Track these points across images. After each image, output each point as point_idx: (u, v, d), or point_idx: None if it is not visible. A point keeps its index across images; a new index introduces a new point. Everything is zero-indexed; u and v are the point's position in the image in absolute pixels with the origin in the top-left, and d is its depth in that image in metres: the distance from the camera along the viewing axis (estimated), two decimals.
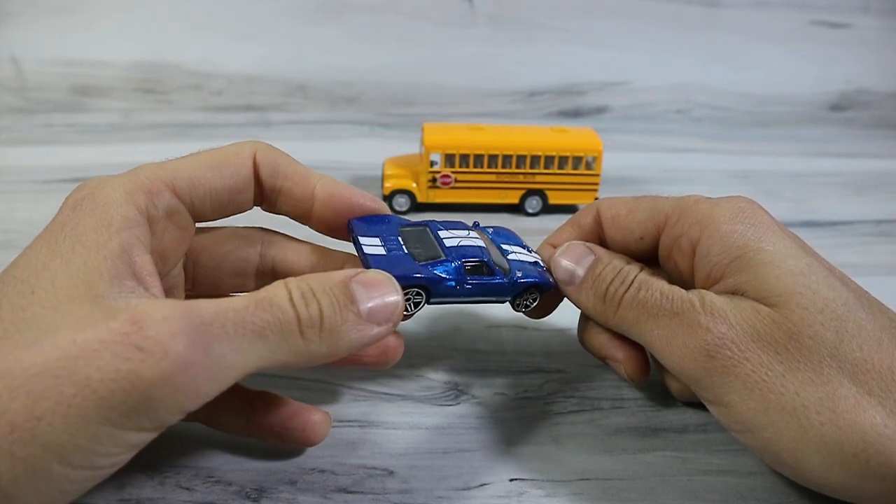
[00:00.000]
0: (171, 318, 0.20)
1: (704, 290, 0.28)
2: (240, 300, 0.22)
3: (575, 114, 0.84)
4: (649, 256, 0.32)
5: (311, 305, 0.23)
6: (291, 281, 0.23)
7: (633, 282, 0.29)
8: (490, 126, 0.58)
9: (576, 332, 0.33)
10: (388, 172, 0.56)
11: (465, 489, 0.28)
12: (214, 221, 0.30)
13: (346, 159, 0.66)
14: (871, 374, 0.24)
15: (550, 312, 0.34)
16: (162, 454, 0.29)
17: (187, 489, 0.28)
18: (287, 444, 0.29)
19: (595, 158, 0.55)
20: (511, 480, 0.29)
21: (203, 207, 0.28)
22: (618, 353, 0.31)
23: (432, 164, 0.54)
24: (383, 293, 0.24)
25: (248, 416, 0.28)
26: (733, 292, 0.27)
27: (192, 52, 0.79)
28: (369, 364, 0.29)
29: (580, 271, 0.31)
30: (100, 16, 0.78)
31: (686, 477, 0.29)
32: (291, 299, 0.23)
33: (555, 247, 0.33)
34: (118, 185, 0.25)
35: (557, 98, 0.84)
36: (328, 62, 0.81)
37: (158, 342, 0.20)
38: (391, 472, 0.29)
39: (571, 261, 0.31)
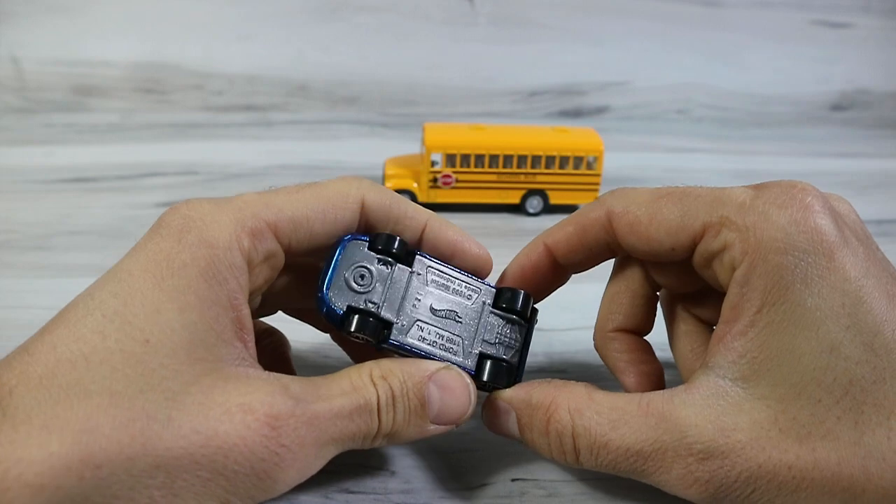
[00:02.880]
0: (302, 426, 0.22)
1: (683, 412, 0.23)
2: (344, 402, 0.23)
3: (576, 114, 0.84)
4: (679, 261, 0.27)
5: (389, 415, 0.24)
6: (377, 379, 0.24)
7: (576, 448, 0.25)
8: (491, 126, 0.58)
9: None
10: (388, 172, 0.56)
11: (466, 489, 0.28)
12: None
13: (347, 159, 0.66)
14: None
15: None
16: None
17: None
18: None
19: (596, 158, 0.55)
20: (513, 480, 0.29)
21: (299, 249, 0.26)
22: (626, 380, 0.29)
23: (433, 164, 0.54)
24: (458, 399, 0.25)
25: None
26: (748, 348, 0.23)
27: (193, 52, 0.79)
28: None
29: (515, 432, 0.26)
30: (100, 16, 0.78)
31: None
32: (378, 407, 0.24)
33: (548, 247, 0.29)
34: (225, 224, 0.24)
35: (558, 98, 0.84)
36: (328, 62, 0.81)
37: (291, 450, 0.22)
38: (393, 473, 0.29)
39: (502, 430, 0.27)
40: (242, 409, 0.22)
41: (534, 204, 0.57)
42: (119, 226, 0.51)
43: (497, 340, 0.27)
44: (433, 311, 0.26)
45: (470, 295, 0.27)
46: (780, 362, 0.23)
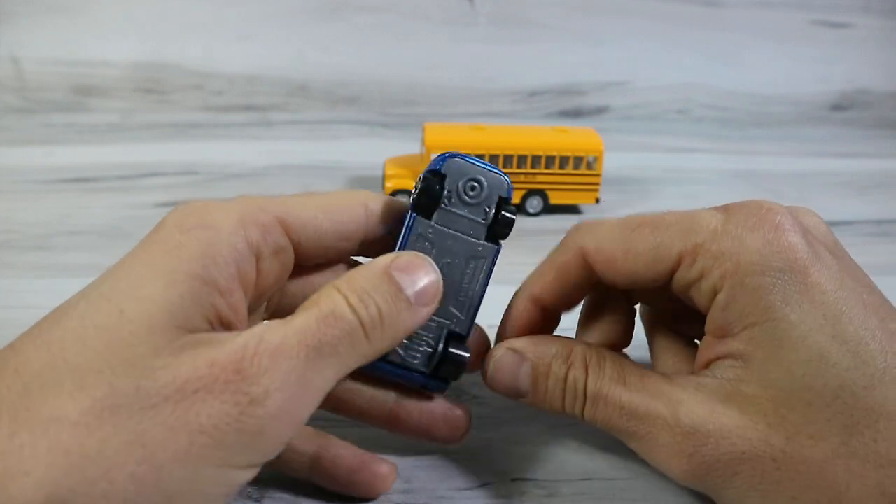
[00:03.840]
0: (266, 359, 0.21)
1: (678, 389, 0.25)
2: (305, 321, 0.22)
3: (576, 114, 0.84)
4: (662, 288, 0.27)
5: (371, 307, 0.23)
6: (342, 285, 0.23)
7: (585, 396, 0.26)
8: (491, 126, 0.58)
9: (573, 332, 0.33)
10: (389, 172, 0.56)
11: (467, 489, 0.28)
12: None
13: (347, 159, 0.66)
14: (889, 469, 0.22)
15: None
16: None
17: None
18: (350, 494, 0.27)
19: (596, 158, 0.55)
20: (513, 480, 0.29)
21: (308, 249, 0.27)
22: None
23: None
24: (424, 274, 0.25)
25: (314, 462, 0.27)
26: (737, 357, 0.24)
27: (193, 52, 0.79)
28: (438, 440, 0.29)
29: (524, 386, 0.27)
30: (100, 16, 0.78)
31: None
32: (351, 306, 0.23)
33: (535, 301, 0.29)
34: (232, 212, 0.24)
35: (558, 98, 0.84)
36: (328, 62, 0.81)
37: (260, 384, 0.21)
38: None
39: (507, 380, 0.27)
40: (208, 364, 0.21)
41: (534, 204, 0.57)
42: (119, 226, 0.51)
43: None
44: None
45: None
46: (770, 371, 0.23)
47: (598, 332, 0.29)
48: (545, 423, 0.32)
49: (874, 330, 0.23)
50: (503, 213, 0.27)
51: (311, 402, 0.22)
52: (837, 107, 0.88)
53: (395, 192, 0.56)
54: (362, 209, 0.27)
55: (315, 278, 0.29)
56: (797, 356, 0.23)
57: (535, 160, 0.55)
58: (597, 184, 0.56)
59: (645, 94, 0.85)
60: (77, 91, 0.77)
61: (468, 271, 0.27)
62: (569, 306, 0.30)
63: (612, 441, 0.31)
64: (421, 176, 0.27)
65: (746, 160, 0.71)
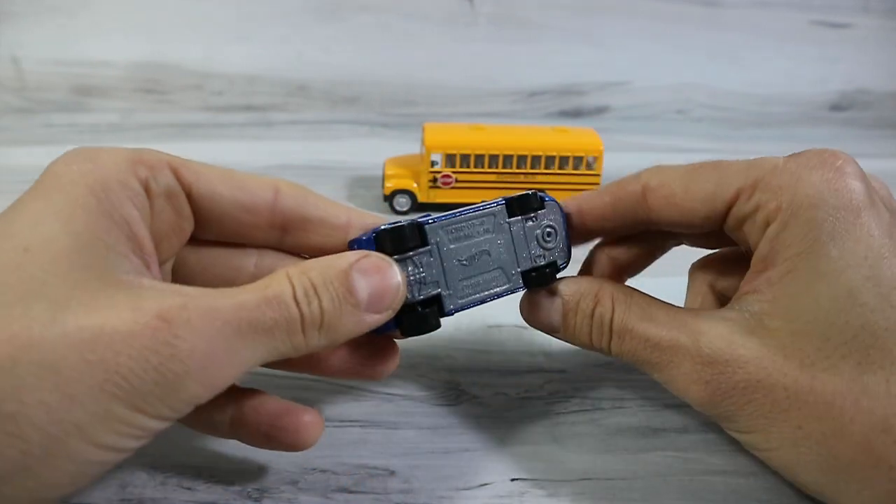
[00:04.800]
0: (196, 317, 0.21)
1: (700, 321, 0.26)
2: (250, 296, 0.22)
3: (575, 114, 0.84)
4: (712, 230, 0.28)
5: (313, 303, 0.23)
6: (294, 274, 0.23)
7: (611, 330, 0.27)
8: (491, 126, 0.58)
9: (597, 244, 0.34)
10: (388, 172, 0.56)
11: (466, 489, 0.28)
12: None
13: (347, 159, 0.66)
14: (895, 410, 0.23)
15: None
16: (164, 454, 0.29)
17: (189, 489, 0.28)
18: (275, 448, 0.27)
19: (596, 158, 0.55)
20: (512, 480, 0.29)
21: (205, 211, 0.26)
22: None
23: (433, 164, 0.54)
24: (383, 279, 0.24)
25: (234, 415, 0.27)
26: (772, 287, 0.25)
27: (193, 52, 0.79)
28: (366, 377, 0.29)
29: (556, 321, 0.29)
30: (100, 16, 0.78)
31: (687, 477, 0.29)
32: (295, 297, 0.23)
33: (585, 214, 0.30)
34: (118, 151, 0.24)
35: (558, 98, 0.84)
36: (328, 62, 0.81)
37: (187, 341, 0.21)
38: (392, 472, 0.29)
39: (541, 315, 0.29)
40: (131, 308, 0.20)
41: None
42: None
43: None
44: (463, 263, 0.27)
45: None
46: (799, 303, 0.24)
47: (618, 247, 0.32)
48: (545, 423, 0.32)
49: None
50: None
51: (232, 373, 0.22)
52: (837, 107, 0.88)
53: (395, 192, 0.56)
54: (271, 190, 0.27)
55: (222, 256, 0.28)
56: (827, 290, 0.24)
57: (535, 160, 0.55)
58: (597, 184, 0.56)
59: (645, 94, 0.85)
60: (77, 91, 0.77)
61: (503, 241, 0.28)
62: (602, 233, 0.31)
63: (612, 442, 0.31)
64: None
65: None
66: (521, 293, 0.29)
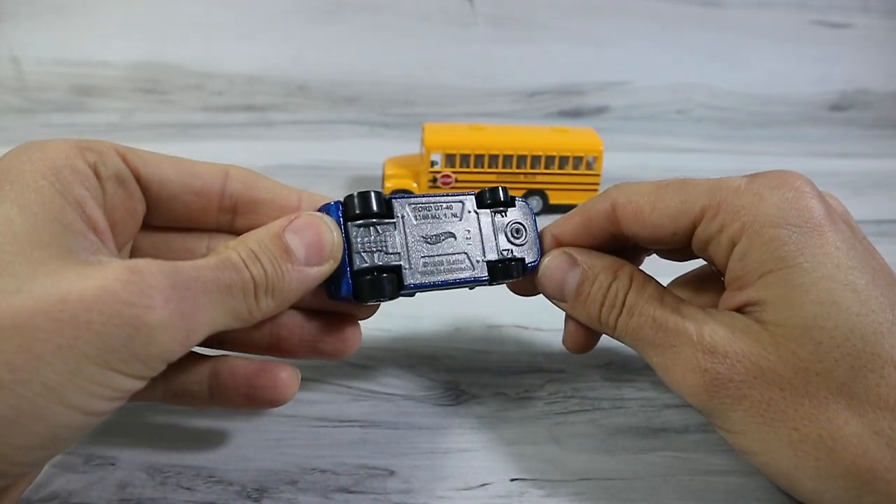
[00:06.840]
0: (164, 270, 0.21)
1: (705, 315, 0.26)
2: (208, 260, 0.23)
3: (575, 114, 0.84)
4: (680, 247, 0.29)
5: (257, 266, 0.24)
6: (234, 245, 0.24)
7: (623, 305, 0.28)
8: (490, 126, 0.58)
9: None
10: (388, 172, 0.56)
11: (465, 489, 0.28)
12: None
13: (346, 159, 0.66)
14: (887, 412, 0.23)
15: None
16: (163, 454, 0.29)
17: (188, 489, 0.28)
18: (255, 407, 0.27)
19: (595, 158, 0.55)
20: (512, 480, 0.29)
21: (153, 192, 0.27)
22: (567, 323, 0.31)
23: (433, 164, 0.55)
24: (316, 232, 0.25)
25: (212, 382, 0.27)
26: (754, 304, 0.26)
27: (193, 52, 0.79)
28: (327, 355, 0.29)
29: (570, 286, 0.29)
30: (100, 15, 0.78)
31: (687, 477, 0.29)
32: (243, 260, 0.24)
33: (558, 239, 0.31)
34: (66, 140, 0.25)
35: (558, 98, 0.84)
36: (328, 62, 0.81)
37: (160, 290, 0.21)
38: (392, 472, 0.29)
39: (557, 278, 0.30)
40: (99, 272, 0.21)
41: (533, 204, 0.57)
42: None
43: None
44: (427, 241, 0.28)
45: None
46: (784, 311, 0.24)
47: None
48: (545, 423, 0.32)
49: (882, 287, 0.24)
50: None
51: (200, 330, 0.22)
52: (837, 107, 0.88)
53: (394, 192, 0.56)
54: (221, 175, 0.28)
55: (176, 241, 0.29)
56: (809, 298, 0.24)
57: (535, 160, 0.55)
58: (597, 184, 0.56)
59: (645, 94, 0.85)
60: (77, 91, 0.77)
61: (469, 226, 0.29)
62: None
63: (611, 442, 0.31)
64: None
65: (746, 160, 0.71)
66: (487, 288, 0.30)
